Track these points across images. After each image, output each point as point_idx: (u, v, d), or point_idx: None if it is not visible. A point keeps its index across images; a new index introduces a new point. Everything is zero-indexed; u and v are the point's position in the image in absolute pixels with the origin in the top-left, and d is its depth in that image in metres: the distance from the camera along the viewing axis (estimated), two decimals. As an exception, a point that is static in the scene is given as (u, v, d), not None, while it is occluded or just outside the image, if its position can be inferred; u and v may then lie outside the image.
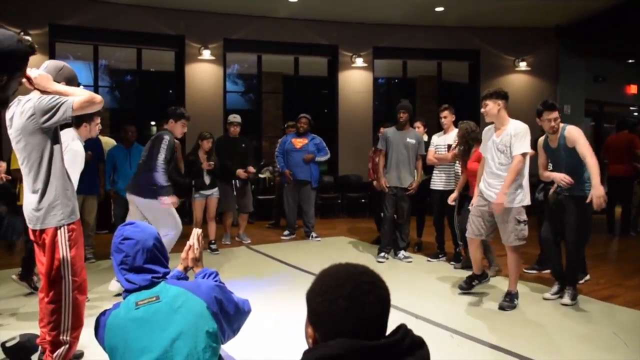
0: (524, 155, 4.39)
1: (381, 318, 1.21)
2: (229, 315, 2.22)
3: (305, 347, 1.32)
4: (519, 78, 10.98)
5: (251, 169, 7.12)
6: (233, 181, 7.09)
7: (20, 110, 3.01)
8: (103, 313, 2.18)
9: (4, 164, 4.30)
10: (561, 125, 4.57)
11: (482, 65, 10.96)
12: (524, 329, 4.11)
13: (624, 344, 3.75)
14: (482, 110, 4.55)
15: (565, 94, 10.89)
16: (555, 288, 4.82)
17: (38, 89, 3.07)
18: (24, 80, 2.93)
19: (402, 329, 1.23)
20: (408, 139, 6.20)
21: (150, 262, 2.17)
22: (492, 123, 4.62)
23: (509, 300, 4.54)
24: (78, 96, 3.00)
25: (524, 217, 4.49)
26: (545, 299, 4.77)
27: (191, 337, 2.05)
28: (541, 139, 4.83)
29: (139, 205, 5.13)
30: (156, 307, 2.08)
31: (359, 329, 1.17)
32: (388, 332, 1.23)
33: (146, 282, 2.14)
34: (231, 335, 2.30)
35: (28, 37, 2.50)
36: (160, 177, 5.01)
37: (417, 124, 6.72)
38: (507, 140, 4.43)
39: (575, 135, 4.47)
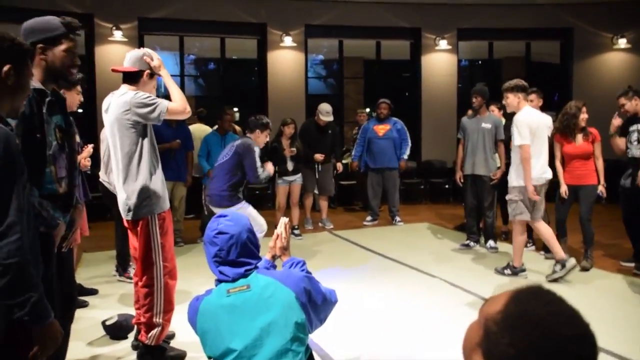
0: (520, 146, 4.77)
1: None
2: (316, 305, 2.22)
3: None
4: (617, 57, 10.23)
5: (319, 157, 7.13)
6: (315, 165, 7.13)
7: (115, 102, 3.15)
8: (196, 298, 2.24)
9: (90, 147, 4.51)
10: None
11: (575, 44, 10.28)
12: (617, 326, 3.86)
13: None
14: (504, 102, 5.02)
15: (670, 72, 10.04)
16: None
17: (129, 86, 3.21)
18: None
19: None
20: (483, 124, 5.97)
21: (244, 256, 2.19)
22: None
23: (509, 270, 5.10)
24: (174, 102, 3.15)
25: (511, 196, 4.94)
26: None
27: (280, 327, 2.07)
28: None
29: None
30: (246, 296, 2.11)
31: None
32: None
33: (239, 275, 2.17)
34: (318, 324, 2.30)
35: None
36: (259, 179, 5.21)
37: (492, 107, 6.42)
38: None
39: None
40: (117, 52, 8.60)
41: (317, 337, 3.50)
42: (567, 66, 10.43)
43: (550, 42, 10.79)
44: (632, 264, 5.28)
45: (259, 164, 5.09)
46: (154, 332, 3.24)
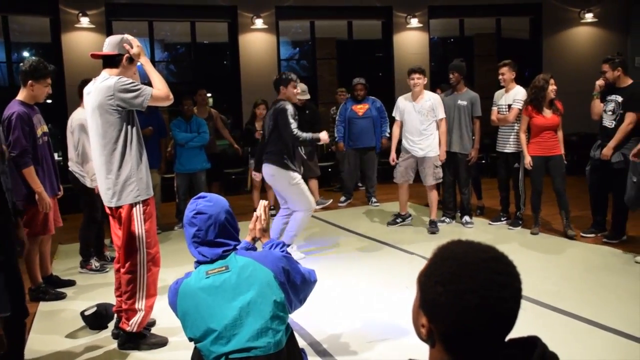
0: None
1: (515, 316, 1.02)
2: (295, 285, 2.26)
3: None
4: (585, 31, 10.38)
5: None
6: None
7: (98, 88, 3.12)
8: (176, 282, 2.26)
9: None
10: None
11: (544, 19, 10.40)
12: (593, 293, 3.99)
13: None
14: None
15: (636, 45, 10.21)
16: None
17: (110, 70, 3.17)
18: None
19: (539, 346, 1.04)
20: (459, 101, 5.98)
21: (222, 236, 2.21)
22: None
23: (435, 226, 5.96)
24: (157, 90, 3.15)
25: (438, 162, 5.85)
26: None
27: (259, 306, 2.11)
28: None
29: (268, 179, 5.07)
30: (225, 277, 2.15)
31: (488, 329, 0.99)
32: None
33: (217, 255, 2.20)
34: (298, 305, 2.34)
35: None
36: (301, 144, 5.09)
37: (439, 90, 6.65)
38: (429, 105, 5.81)
39: None
40: (84, 39, 8.43)
41: (298, 317, 3.55)
42: (537, 41, 10.55)
43: (520, 18, 10.88)
44: (592, 235, 5.45)
45: (294, 124, 4.83)
46: (135, 318, 3.25)
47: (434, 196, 6.03)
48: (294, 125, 4.82)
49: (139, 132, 3.27)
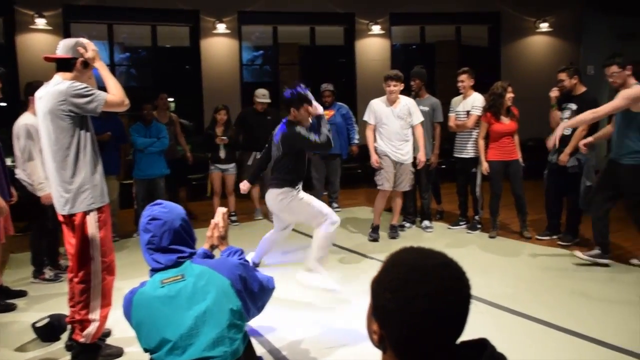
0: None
1: (463, 320, 1.04)
2: (253, 293, 2.24)
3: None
4: (540, 40, 10.68)
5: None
6: (254, 153, 6.96)
7: (49, 92, 3.04)
8: (131, 291, 2.22)
9: None
10: (632, 82, 4.42)
11: (502, 28, 10.66)
12: (549, 294, 4.09)
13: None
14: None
15: (588, 54, 10.55)
16: (597, 251, 4.70)
17: (63, 74, 3.10)
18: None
19: (487, 348, 1.06)
20: (421, 107, 6.02)
21: (177, 243, 2.19)
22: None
23: (395, 231, 5.99)
24: (112, 95, 3.10)
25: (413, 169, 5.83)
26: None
27: (216, 315, 2.08)
28: None
29: (276, 204, 4.41)
30: (181, 286, 2.11)
31: (436, 334, 1.01)
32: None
33: (172, 262, 2.16)
34: (256, 312, 2.32)
35: None
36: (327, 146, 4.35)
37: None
38: (407, 110, 5.67)
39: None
40: (40, 41, 8.21)
41: (257, 324, 3.53)
42: (495, 49, 10.79)
43: (479, 26, 11.11)
44: (547, 237, 5.61)
45: (311, 135, 4.30)
46: (89, 329, 3.17)
47: (400, 202, 5.98)
48: (312, 136, 4.28)
49: (94, 137, 3.20)
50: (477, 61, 10.56)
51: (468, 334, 1.09)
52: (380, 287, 1.05)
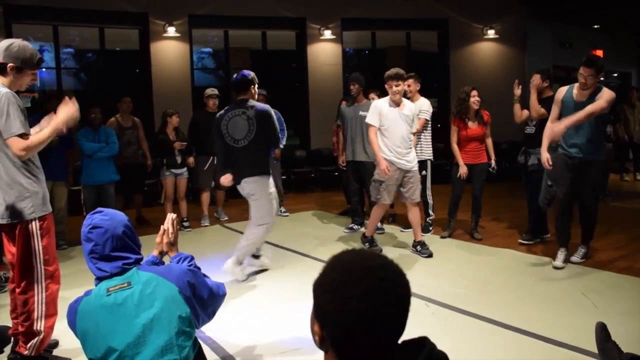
0: None
1: (401, 321, 1.06)
2: (202, 299, 2.21)
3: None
4: (487, 46, 11.01)
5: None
6: (211, 157, 6.88)
7: None
8: (75, 300, 2.16)
9: None
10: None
11: (450, 34, 10.94)
12: (496, 294, 4.20)
13: (593, 304, 3.87)
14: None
15: (533, 60, 10.96)
16: (563, 255, 4.82)
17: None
18: None
19: (426, 346, 1.08)
20: (361, 112, 6.09)
21: (121, 250, 2.15)
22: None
23: (426, 247, 5.30)
24: (25, 141, 2.90)
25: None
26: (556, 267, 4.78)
27: (164, 322, 2.04)
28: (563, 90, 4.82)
29: (250, 189, 4.67)
30: (127, 293, 2.07)
31: (373, 334, 1.03)
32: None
33: (117, 269, 2.12)
34: (206, 319, 2.29)
35: None
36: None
37: (372, 95, 6.61)
38: (414, 113, 5.28)
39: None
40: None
41: (210, 331, 3.49)
42: (444, 55, 11.04)
43: (428, 32, 11.35)
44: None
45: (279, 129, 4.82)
46: (34, 341, 3.06)
47: (418, 213, 5.31)
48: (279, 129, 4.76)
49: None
50: (426, 66, 10.80)
51: (418, 334, 1.11)
52: (320, 289, 1.08)
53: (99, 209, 2.24)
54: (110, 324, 2.04)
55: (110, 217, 2.17)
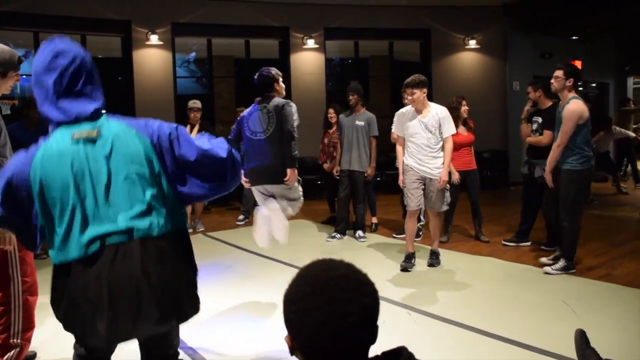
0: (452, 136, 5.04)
1: (365, 329, 1.06)
2: (187, 161, 1.91)
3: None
4: (469, 56, 11.13)
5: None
6: None
7: None
8: (26, 150, 1.83)
9: None
10: (569, 95, 4.68)
11: (433, 44, 11.03)
12: (478, 302, 4.22)
13: (572, 311, 3.91)
14: (409, 97, 4.99)
15: (514, 70, 11.11)
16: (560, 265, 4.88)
17: None
18: None
19: (403, 355, 1.09)
20: (357, 122, 6.26)
21: (91, 86, 1.83)
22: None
23: (436, 258, 5.23)
24: None
25: (447, 185, 5.10)
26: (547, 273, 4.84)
27: (137, 182, 1.81)
28: None
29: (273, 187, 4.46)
30: (96, 146, 1.79)
31: (338, 344, 1.03)
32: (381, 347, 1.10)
33: (87, 113, 1.80)
34: (201, 190, 1.95)
35: None
36: (296, 145, 4.36)
37: (331, 109, 7.02)
38: (436, 121, 4.94)
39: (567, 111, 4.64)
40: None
41: (191, 339, 3.46)
42: (426, 64, 11.13)
43: (411, 41, 11.44)
44: (514, 244, 5.83)
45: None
46: (10, 354, 3.00)
47: (436, 223, 5.24)
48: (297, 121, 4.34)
49: (10, 151, 3.03)
50: (409, 75, 10.83)
51: (400, 342, 1.12)
52: (286, 300, 1.10)
53: (56, 36, 1.88)
54: (73, 177, 1.74)
55: (75, 43, 1.84)
